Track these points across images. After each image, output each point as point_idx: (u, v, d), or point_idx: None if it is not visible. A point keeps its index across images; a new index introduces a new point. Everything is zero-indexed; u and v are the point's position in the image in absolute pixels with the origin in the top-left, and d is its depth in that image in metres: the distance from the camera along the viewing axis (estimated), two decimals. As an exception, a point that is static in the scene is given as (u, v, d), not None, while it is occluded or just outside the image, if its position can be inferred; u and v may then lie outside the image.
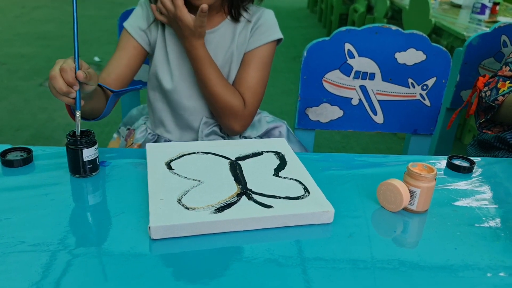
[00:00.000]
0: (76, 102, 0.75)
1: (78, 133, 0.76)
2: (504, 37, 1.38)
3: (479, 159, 0.93)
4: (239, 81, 1.09)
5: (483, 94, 1.10)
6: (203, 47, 1.02)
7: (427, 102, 1.29)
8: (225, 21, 1.09)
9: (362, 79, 1.26)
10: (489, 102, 1.07)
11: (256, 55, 1.09)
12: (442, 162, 0.91)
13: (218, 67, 1.06)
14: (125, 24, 1.08)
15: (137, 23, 1.07)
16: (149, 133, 1.16)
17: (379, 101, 1.29)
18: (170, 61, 1.08)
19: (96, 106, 0.92)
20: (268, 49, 1.09)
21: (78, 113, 0.75)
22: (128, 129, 1.23)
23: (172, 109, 1.13)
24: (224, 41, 1.09)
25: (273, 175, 0.77)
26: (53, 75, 0.72)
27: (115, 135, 1.28)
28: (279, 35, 1.10)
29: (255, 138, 1.15)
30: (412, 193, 0.71)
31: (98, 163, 0.78)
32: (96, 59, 3.89)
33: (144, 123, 1.20)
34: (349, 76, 1.26)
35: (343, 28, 1.22)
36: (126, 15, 1.31)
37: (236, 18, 1.08)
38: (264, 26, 1.09)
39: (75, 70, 0.73)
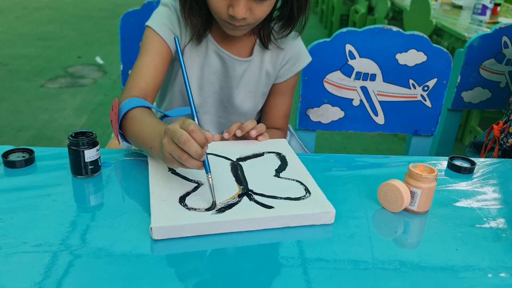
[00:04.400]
0: (205, 164, 0.67)
1: (214, 199, 0.67)
2: (505, 38, 1.38)
3: (480, 159, 0.93)
4: (277, 112, 1.10)
5: (502, 142, 1.15)
6: None
7: (428, 103, 1.30)
8: (256, 46, 1.03)
9: (363, 80, 1.26)
10: (506, 147, 1.13)
11: (289, 84, 1.09)
12: (443, 163, 0.91)
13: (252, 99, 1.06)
14: (154, 25, 0.96)
15: (167, 25, 0.97)
16: None
17: (380, 102, 1.29)
18: (202, 75, 1.03)
19: None
20: (298, 73, 1.10)
21: (210, 176, 0.67)
22: None
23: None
24: (256, 67, 1.05)
25: (274, 175, 0.77)
26: (186, 138, 0.62)
27: (112, 135, 1.28)
28: (308, 59, 1.09)
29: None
30: (413, 194, 0.71)
31: (99, 164, 0.78)
32: (99, 60, 3.89)
33: None
34: (350, 77, 1.26)
35: (344, 29, 1.22)
36: (127, 16, 1.32)
37: (266, 46, 1.02)
38: (297, 56, 1.07)
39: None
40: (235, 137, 0.90)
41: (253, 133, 0.87)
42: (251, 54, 1.04)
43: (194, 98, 1.04)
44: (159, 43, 0.96)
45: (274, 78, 1.08)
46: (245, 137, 0.90)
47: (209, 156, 0.82)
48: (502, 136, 1.15)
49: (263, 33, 1.01)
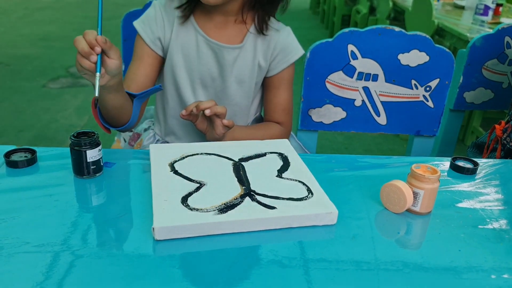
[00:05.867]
0: (96, 66, 0.77)
1: (96, 94, 0.79)
2: (507, 38, 1.38)
3: (483, 160, 0.93)
4: (273, 106, 1.11)
5: (504, 142, 1.15)
6: (238, 133, 1.02)
7: (430, 104, 1.29)
8: (248, 34, 1.04)
9: (365, 80, 1.26)
10: (509, 147, 1.12)
11: (284, 77, 1.10)
12: (446, 164, 0.91)
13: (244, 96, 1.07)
14: (139, 28, 1.03)
15: (150, 27, 1.03)
16: (158, 140, 1.14)
17: (382, 102, 1.29)
18: (191, 68, 1.04)
19: (123, 108, 0.92)
20: (293, 67, 1.10)
21: (98, 75, 0.78)
22: (131, 131, 1.22)
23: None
24: (249, 56, 1.05)
25: (277, 176, 0.77)
26: (76, 38, 0.76)
27: (115, 138, 1.28)
28: (301, 51, 1.10)
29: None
30: (415, 195, 0.71)
31: (101, 164, 0.78)
32: None
33: (150, 128, 1.18)
34: (352, 77, 1.26)
35: (346, 30, 1.22)
36: (129, 16, 1.32)
37: (261, 31, 1.04)
38: (288, 47, 1.07)
39: (97, 35, 0.76)
40: (202, 118, 0.93)
41: (207, 112, 0.88)
42: (241, 42, 1.04)
43: (187, 92, 1.06)
44: (141, 46, 1.04)
45: (266, 70, 1.08)
46: (212, 120, 0.92)
47: (211, 156, 0.82)
48: (505, 136, 1.15)
49: (259, 18, 1.03)
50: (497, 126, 1.17)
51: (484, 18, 2.61)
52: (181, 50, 1.04)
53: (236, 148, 0.86)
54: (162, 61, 1.06)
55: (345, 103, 1.29)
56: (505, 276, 0.60)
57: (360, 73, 1.25)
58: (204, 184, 0.73)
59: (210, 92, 1.07)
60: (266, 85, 1.12)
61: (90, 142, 0.75)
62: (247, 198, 0.69)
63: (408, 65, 1.24)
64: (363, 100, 1.28)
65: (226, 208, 0.66)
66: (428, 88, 1.27)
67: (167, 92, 1.08)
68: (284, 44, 1.07)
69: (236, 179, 0.75)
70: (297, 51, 1.09)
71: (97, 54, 0.76)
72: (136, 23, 1.04)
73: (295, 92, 1.16)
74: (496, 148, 1.19)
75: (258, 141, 0.90)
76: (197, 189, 0.71)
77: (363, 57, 1.23)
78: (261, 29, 1.03)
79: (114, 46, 0.79)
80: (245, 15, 1.03)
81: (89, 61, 0.77)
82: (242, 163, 0.81)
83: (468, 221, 0.71)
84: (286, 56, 1.07)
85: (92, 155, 0.75)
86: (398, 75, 1.26)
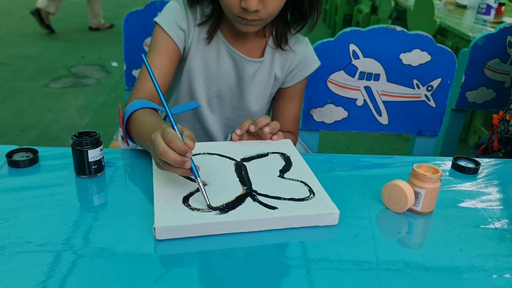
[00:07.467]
0: (193, 170, 0.67)
1: (208, 202, 0.67)
2: (509, 38, 1.37)
3: (485, 160, 0.93)
4: (286, 116, 1.10)
5: (499, 130, 1.14)
6: None
7: (432, 103, 1.29)
8: (267, 48, 1.03)
9: (366, 80, 1.26)
10: (505, 135, 1.12)
11: (298, 88, 1.09)
12: (447, 163, 0.91)
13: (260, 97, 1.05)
14: (162, 22, 0.95)
15: (175, 22, 0.96)
16: None
17: (383, 102, 1.29)
18: (209, 76, 1.02)
19: None
20: (306, 78, 1.10)
21: (199, 180, 0.67)
22: None
23: (198, 123, 1.09)
24: (266, 69, 1.04)
25: (278, 176, 0.77)
26: (162, 149, 0.64)
27: (114, 136, 1.28)
28: (317, 63, 1.08)
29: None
30: (417, 194, 0.71)
31: (103, 164, 0.78)
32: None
33: None
34: (353, 77, 1.25)
35: (348, 29, 1.22)
36: (131, 16, 1.32)
37: (279, 45, 1.02)
38: (306, 60, 1.06)
39: (181, 139, 0.65)
40: (248, 136, 0.89)
41: (267, 130, 0.86)
42: (261, 55, 1.03)
43: (202, 100, 1.04)
44: (167, 42, 0.96)
45: (281, 82, 1.07)
46: (259, 134, 0.89)
47: (213, 156, 0.82)
48: (500, 125, 1.14)
49: (278, 32, 1.00)
50: (494, 115, 1.17)
51: (486, 17, 2.60)
52: (201, 56, 1.01)
53: (239, 148, 0.86)
54: (181, 57, 1.01)
55: (346, 102, 1.29)
56: (507, 276, 0.59)
57: (362, 73, 1.25)
58: (205, 184, 0.73)
59: (225, 101, 1.06)
60: (279, 95, 1.10)
61: (92, 142, 0.75)
62: (249, 198, 0.69)
63: (409, 64, 1.24)
64: (364, 100, 1.28)
65: (228, 208, 0.66)
66: (430, 88, 1.27)
67: (179, 97, 1.06)
68: (302, 57, 1.05)
69: (238, 179, 0.75)
70: (314, 63, 1.08)
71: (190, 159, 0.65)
72: (160, 19, 0.96)
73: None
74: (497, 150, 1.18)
75: (261, 141, 0.90)
76: (199, 189, 0.71)
77: (364, 56, 1.23)
78: (280, 43, 1.01)
79: (193, 133, 0.70)
80: (265, 28, 1.01)
81: (184, 169, 0.66)
82: (244, 163, 0.81)
83: (470, 220, 0.71)
84: (303, 69, 1.06)
85: (93, 154, 0.75)
86: (399, 74, 1.26)
